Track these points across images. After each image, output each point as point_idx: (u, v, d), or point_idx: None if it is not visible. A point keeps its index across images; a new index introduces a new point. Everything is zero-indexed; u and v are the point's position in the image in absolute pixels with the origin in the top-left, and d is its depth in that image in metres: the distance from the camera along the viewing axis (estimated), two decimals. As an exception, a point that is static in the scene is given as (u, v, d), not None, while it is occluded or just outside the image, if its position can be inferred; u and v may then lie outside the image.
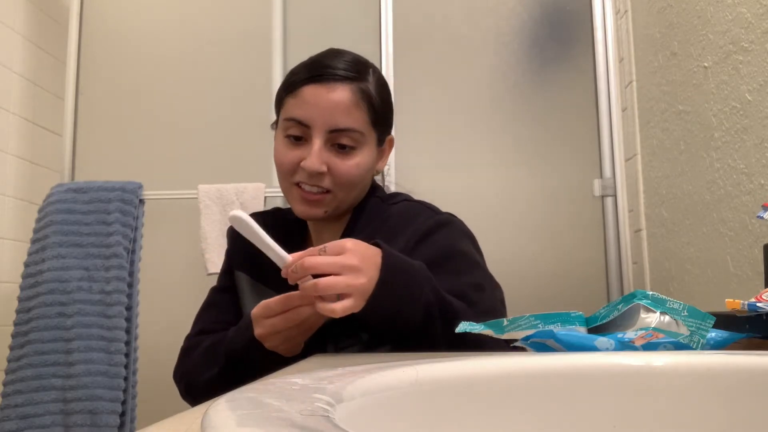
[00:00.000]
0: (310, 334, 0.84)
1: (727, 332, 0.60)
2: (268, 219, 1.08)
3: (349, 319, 0.77)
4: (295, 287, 0.76)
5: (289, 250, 0.77)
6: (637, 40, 1.81)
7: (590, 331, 0.59)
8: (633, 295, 0.58)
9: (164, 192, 1.90)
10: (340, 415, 0.28)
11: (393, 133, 1.05)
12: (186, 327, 1.05)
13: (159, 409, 1.73)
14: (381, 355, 0.78)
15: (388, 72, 1.90)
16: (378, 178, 1.09)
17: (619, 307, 0.58)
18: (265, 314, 0.80)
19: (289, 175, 0.96)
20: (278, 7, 2.01)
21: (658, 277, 1.69)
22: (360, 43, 1.84)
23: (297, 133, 0.95)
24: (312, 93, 0.93)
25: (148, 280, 1.85)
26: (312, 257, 0.73)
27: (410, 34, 1.97)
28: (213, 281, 1.11)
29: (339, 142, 0.94)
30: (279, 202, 1.84)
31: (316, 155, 0.92)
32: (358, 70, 0.96)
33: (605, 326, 0.59)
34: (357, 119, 0.94)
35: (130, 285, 1.78)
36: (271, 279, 0.85)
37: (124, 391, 1.70)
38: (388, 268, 0.77)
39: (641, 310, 0.57)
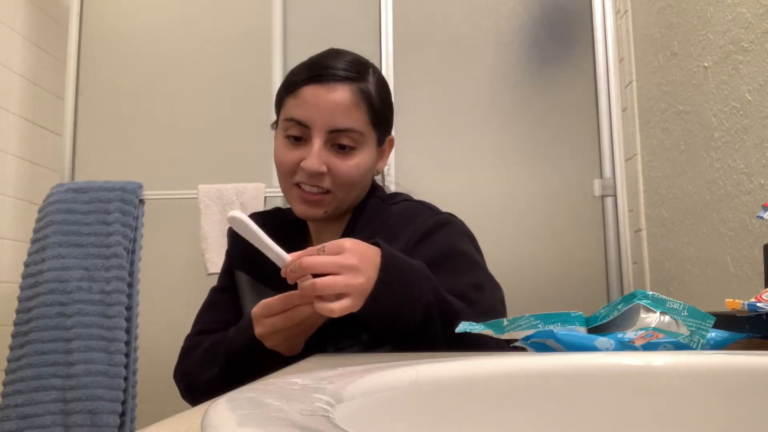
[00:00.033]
0: (310, 333, 0.83)
1: (727, 332, 0.60)
2: (268, 219, 1.08)
3: (349, 320, 0.77)
4: (296, 287, 0.76)
5: (289, 250, 0.77)
6: (637, 40, 1.81)
7: (590, 331, 0.59)
8: (633, 295, 0.58)
9: (164, 192, 1.90)
10: (340, 415, 0.28)
11: (393, 133, 1.05)
12: (186, 327, 1.05)
13: (159, 409, 1.73)
14: (381, 355, 0.78)
15: (388, 72, 1.90)
16: (378, 178, 1.09)
17: (619, 307, 0.58)
18: (266, 313, 0.80)
19: (289, 175, 0.96)
20: (278, 7, 2.01)
21: (658, 277, 1.69)
22: (360, 43, 1.84)
23: (297, 134, 0.95)
24: (312, 93, 0.93)
25: (148, 280, 1.85)
26: (310, 257, 0.74)
27: (410, 34, 1.97)
28: (213, 281, 1.11)
29: (339, 142, 0.94)
30: (279, 202, 1.84)
31: (315, 156, 0.92)
32: (358, 71, 0.96)
33: (605, 326, 0.59)
34: (357, 119, 0.94)
35: (130, 285, 1.78)
36: (272, 279, 0.85)
37: (124, 391, 1.70)
38: (387, 268, 0.77)
39: (641, 310, 0.57)
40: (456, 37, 1.97)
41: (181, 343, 1.03)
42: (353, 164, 0.95)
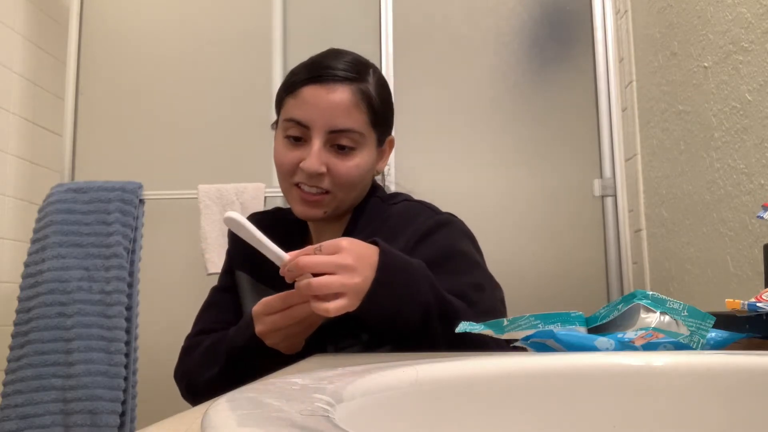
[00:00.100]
0: (311, 331, 0.84)
1: (727, 332, 0.60)
2: (268, 219, 1.08)
3: (349, 320, 0.77)
4: (295, 286, 0.76)
5: (289, 250, 0.77)
6: (637, 40, 1.81)
7: (590, 331, 0.59)
8: (633, 295, 0.58)
9: (164, 192, 1.90)
10: (340, 415, 0.28)
11: (393, 133, 1.05)
12: (186, 327, 1.05)
13: (159, 409, 1.73)
14: (381, 355, 0.78)
15: (388, 72, 1.90)
16: (378, 178, 1.09)
17: (619, 307, 0.58)
18: (266, 311, 0.80)
19: (288, 175, 0.96)
20: (278, 7, 2.01)
21: (658, 277, 1.69)
22: (360, 43, 1.84)
23: (297, 134, 0.95)
24: (312, 94, 0.93)
25: (148, 280, 1.85)
26: (307, 256, 0.74)
27: (410, 34, 1.97)
28: (213, 281, 1.11)
29: (338, 142, 0.94)
30: (279, 202, 1.84)
31: (315, 156, 0.92)
32: (358, 71, 0.96)
33: (605, 326, 0.59)
34: (357, 120, 0.94)
35: (130, 285, 1.78)
36: (272, 278, 0.85)
37: (124, 391, 1.70)
38: (384, 268, 0.77)
39: (641, 310, 0.57)
40: (456, 37, 1.97)
41: (181, 343, 1.03)
42: (353, 165, 0.95)
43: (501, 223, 1.89)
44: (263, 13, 2.01)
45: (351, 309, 0.74)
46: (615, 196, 1.88)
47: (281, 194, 1.04)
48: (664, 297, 0.57)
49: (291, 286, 0.76)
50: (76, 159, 1.96)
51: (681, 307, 0.57)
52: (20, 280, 1.76)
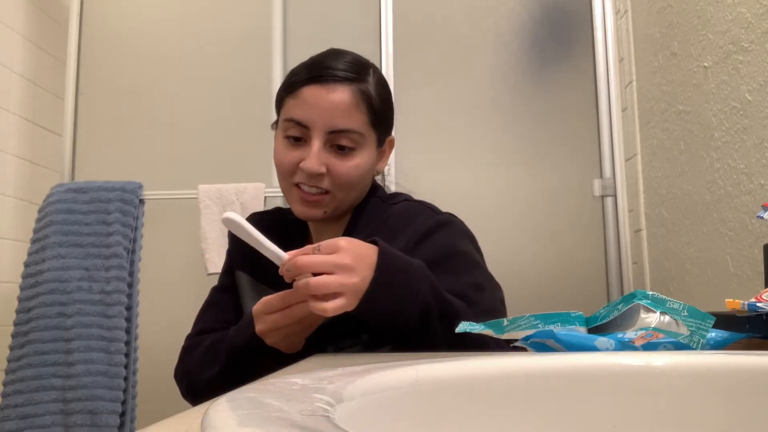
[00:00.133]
0: (311, 330, 0.84)
1: (727, 332, 0.60)
2: (268, 219, 1.08)
3: (349, 320, 0.77)
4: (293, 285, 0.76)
5: (289, 250, 0.77)
6: (637, 40, 1.81)
7: (590, 331, 0.59)
8: (633, 295, 0.58)
9: (164, 192, 1.90)
10: (340, 415, 0.28)
11: (393, 133, 1.05)
12: (186, 327, 1.05)
13: (159, 409, 1.73)
14: (381, 355, 0.78)
15: (388, 72, 1.90)
16: (378, 178, 1.09)
17: (619, 307, 0.58)
18: (266, 310, 0.80)
19: (288, 175, 0.96)
20: (278, 7, 2.01)
21: (658, 277, 1.69)
22: (360, 43, 1.84)
23: (296, 134, 0.95)
24: (311, 94, 0.93)
25: (148, 280, 1.85)
26: (305, 256, 0.74)
27: (410, 34, 1.97)
28: (213, 281, 1.11)
29: (338, 143, 0.94)
30: (279, 202, 1.84)
31: (315, 156, 0.92)
32: (358, 71, 0.96)
33: (605, 326, 0.59)
34: (356, 120, 0.94)
35: (130, 285, 1.78)
36: (272, 278, 0.85)
37: (124, 391, 1.70)
38: (383, 267, 0.77)
39: (641, 310, 0.57)
40: (456, 37, 1.97)
41: (181, 343, 1.03)
42: (352, 165, 0.95)
43: (501, 223, 1.89)
44: (263, 13, 2.01)
45: (349, 309, 0.74)
46: (615, 196, 1.88)
47: (281, 194, 1.04)
48: (664, 297, 0.57)
49: (291, 285, 0.77)
50: (76, 159, 1.96)
51: (681, 307, 0.57)
52: (20, 280, 1.76)
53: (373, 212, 1.00)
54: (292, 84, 0.96)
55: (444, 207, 1.03)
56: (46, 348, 1.67)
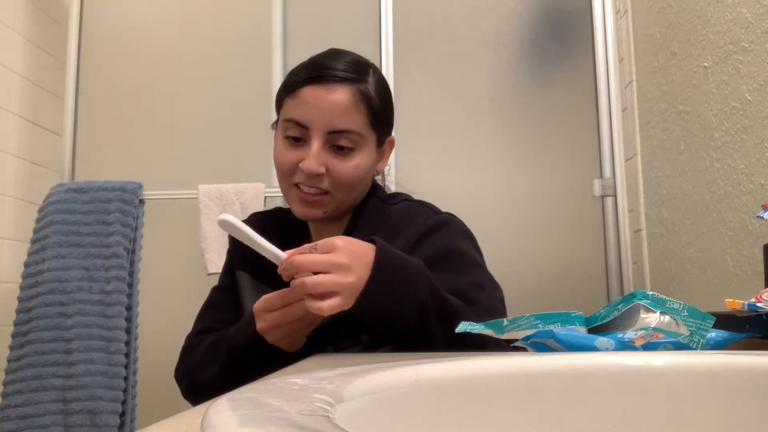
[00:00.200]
0: (312, 328, 0.84)
1: (727, 332, 0.60)
2: (268, 219, 1.08)
3: (349, 320, 0.77)
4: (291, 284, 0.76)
5: (289, 250, 0.77)
6: (637, 40, 1.81)
7: (590, 331, 0.59)
8: (633, 295, 0.58)
9: (164, 192, 1.90)
10: (340, 415, 0.28)
11: (393, 133, 1.05)
12: (186, 327, 1.05)
13: (159, 409, 1.73)
14: (381, 355, 0.78)
15: (388, 72, 1.90)
16: (378, 178, 1.09)
17: (619, 307, 0.58)
18: (266, 308, 0.80)
19: (288, 176, 0.96)
20: (278, 7, 2.01)
21: (658, 277, 1.69)
22: (360, 43, 1.84)
23: (296, 134, 0.95)
24: (311, 94, 0.93)
25: (148, 280, 1.85)
26: (301, 255, 0.74)
27: (410, 34, 1.97)
28: (213, 281, 1.11)
29: (338, 143, 0.94)
30: (279, 202, 1.84)
31: (314, 157, 0.92)
32: (357, 71, 0.96)
33: (605, 326, 0.59)
34: (356, 121, 0.94)
35: (130, 285, 1.78)
36: (272, 278, 0.85)
37: (124, 391, 1.70)
38: (380, 266, 0.77)
39: (641, 310, 0.57)
40: (456, 37, 1.97)
41: (181, 343, 1.03)
42: (352, 165, 0.95)
43: (501, 223, 1.89)
44: (263, 13, 2.01)
45: (345, 308, 0.74)
46: (615, 196, 1.88)
47: (281, 194, 1.04)
48: (664, 297, 0.57)
49: (290, 285, 0.77)
50: (76, 159, 1.96)
51: (681, 307, 0.57)
52: (20, 280, 1.76)
53: (373, 212, 1.00)
54: (292, 84, 0.96)
55: (444, 207, 1.03)
56: (46, 348, 1.67)
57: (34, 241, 1.79)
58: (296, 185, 0.96)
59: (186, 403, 1.00)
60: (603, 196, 1.89)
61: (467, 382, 0.41)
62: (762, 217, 0.71)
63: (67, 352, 1.67)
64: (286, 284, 0.77)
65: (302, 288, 0.73)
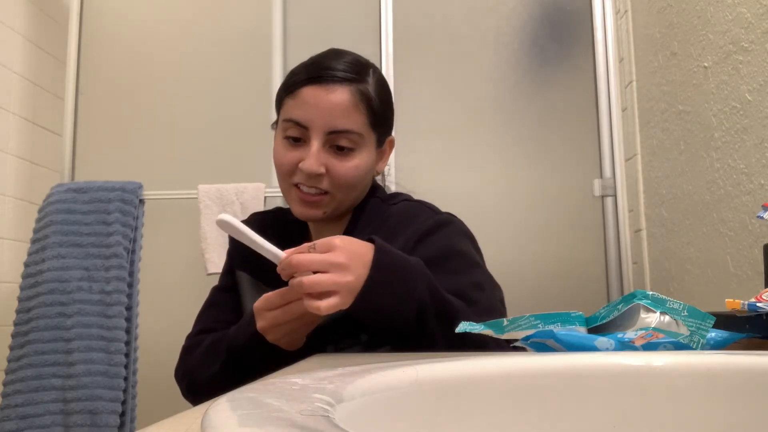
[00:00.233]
0: (312, 327, 0.84)
1: (727, 332, 0.60)
2: (269, 219, 1.08)
3: (348, 319, 0.77)
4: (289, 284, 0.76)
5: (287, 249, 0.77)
6: (637, 40, 1.81)
7: (590, 331, 0.59)
8: (633, 295, 0.58)
9: (164, 192, 1.90)
10: (340, 415, 0.28)
11: (393, 133, 1.05)
12: (186, 327, 1.05)
13: (159, 409, 1.73)
14: (381, 355, 0.78)
15: (388, 72, 1.90)
16: (378, 178, 1.09)
17: (619, 307, 0.58)
18: (266, 307, 0.80)
19: (287, 176, 0.96)
20: (278, 7, 2.01)
21: (658, 277, 1.69)
22: (360, 43, 1.84)
23: (296, 135, 0.95)
24: (311, 94, 0.93)
25: (148, 280, 1.85)
26: (300, 254, 0.74)
27: (410, 34, 1.97)
28: (213, 281, 1.11)
29: (337, 143, 0.94)
30: (279, 202, 1.84)
31: (314, 157, 0.92)
32: (357, 72, 0.96)
33: (605, 326, 0.59)
34: (356, 121, 0.94)
35: (130, 285, 1.78)
36: (272, 278, 0.85)
37: (124, 391, 1.70)
38: (378, 266, 0.77)
39: (641, 310, 0.57)
40: (456, 37, 1.97)
41: (181, 342, 1.03)
42: (352, 165, 0.95)
43: (501, 223, 1.89)
44: (263, 13, 2.01)
45: (343, 307, 0.74)
46: (615, 196, 1.88)
47: (281, 194, 1.04)
48: (664, 297, 0.57)
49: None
50: (76, 159, 1.96)
51: (681, 307, 0.57)
52: (20, 280, 1.76)
53: (373, 212, 1.00)
54: (292, 84, 0.96)
55: (444, 207, 1.03)
56: (46, 348, 1.67)
57: (34, 241, 1.79)
58: (296, 185, 0.96)
59: (186, 403, 1.00)
60: (603, 196, 1.89)
61: (467, 382, 0.41)
62: (762, 217, 0.71)
63: (67, 352, 1.67)
64: (286, 284, 0.77)
65: (300, 287, 0.73)
